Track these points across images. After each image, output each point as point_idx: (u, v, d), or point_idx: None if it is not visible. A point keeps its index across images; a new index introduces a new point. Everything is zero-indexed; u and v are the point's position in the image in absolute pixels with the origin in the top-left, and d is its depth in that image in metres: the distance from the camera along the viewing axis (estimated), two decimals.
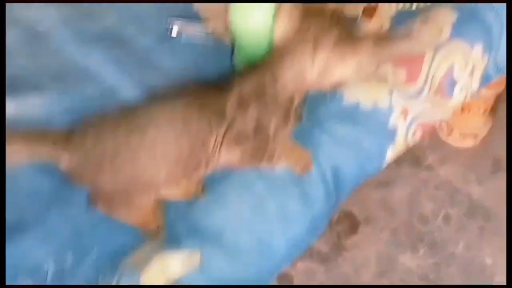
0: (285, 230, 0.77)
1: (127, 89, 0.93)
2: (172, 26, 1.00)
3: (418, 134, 0.90)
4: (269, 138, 0.74)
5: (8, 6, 1.04)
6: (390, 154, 0.87)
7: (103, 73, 0.96)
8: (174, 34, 1.01)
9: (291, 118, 0.75)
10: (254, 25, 0.78)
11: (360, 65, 0.73)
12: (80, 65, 0.97)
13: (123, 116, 0.74)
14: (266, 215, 0.78)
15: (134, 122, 0.71)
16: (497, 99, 1.37)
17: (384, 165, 0.88)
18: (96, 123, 0.74)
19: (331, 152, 0.82)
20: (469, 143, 1.45)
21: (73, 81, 0.95)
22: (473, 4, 0.91)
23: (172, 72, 0.97)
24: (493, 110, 1.40)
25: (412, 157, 1.45)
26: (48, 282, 0.72)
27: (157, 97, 0.78)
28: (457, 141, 1.45)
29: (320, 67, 0.73)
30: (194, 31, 1.00)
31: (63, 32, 1.01)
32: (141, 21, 1.04)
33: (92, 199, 0.76)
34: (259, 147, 0.74)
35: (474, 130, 1.42)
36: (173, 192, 0.78)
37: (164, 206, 0.79)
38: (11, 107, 0.88)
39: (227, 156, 0.74)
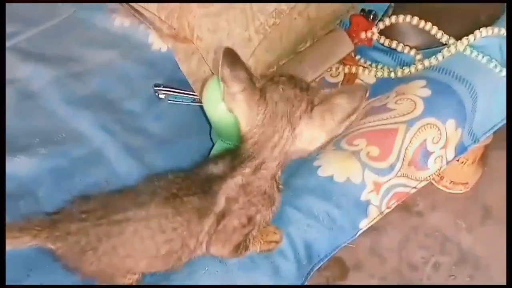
0: None
1: (113, 151, 0.97)
2: (158, 93, 1.03)
3: (393, 203, 0.92)
4: (254, 230, 0.75)
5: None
6: (364, 224, 0.89)
7: (90, 135, 0.99)
8: (162, 96, 1.04)
9: (276, 199, 0.75)
10: (223, 114, 0.80)
11: (342, 120, 0.69)
12: (69, 127, 1.00)
13: (103, 207, 0.75)
14: None
15: (113, 218, 0.73)
16: (487, 147, 1.38)
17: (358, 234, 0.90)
18: (78, 212, 0.76)
19: (304, 228, 0.84)
20: (459, 189, 1.45)
21: (60, 142, 0.98)
22: (445, 80, 0.93)
23: (157, 135, 1.00)
24: (483, 158, 1.40)
25: (402, 202, 1.46)
26: None
27: (134, 192, 0.77)
28: (448, 187, 1.45)
29: (302, 139, 0.71)
30: (180, 95, 1.03)
31: (54, 93, 1.05)
32: (129, 84, 1.07)
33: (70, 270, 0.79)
34: (244, 240, 0.76)
35: (464, 178, 1.42)
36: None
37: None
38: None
39: (214, 251, 0.76)
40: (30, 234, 0.76)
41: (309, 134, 0.70)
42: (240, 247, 0.76)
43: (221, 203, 0.73)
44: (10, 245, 0.76)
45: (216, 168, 0.75)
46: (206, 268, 0.80)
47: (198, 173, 0.76)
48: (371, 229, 1.42)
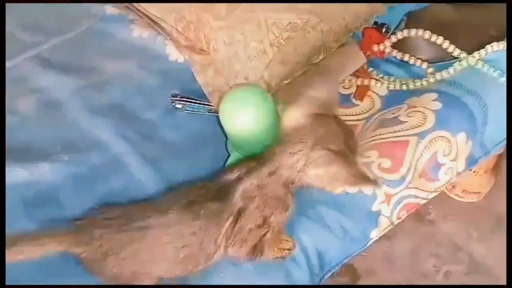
0: None
1: (131, 159, 0.99)
2: (175, 103, 1.05)
3: (403, 214, 0.94)
4: (269, 233, 0.78)
5: (27, 75, 1.12)
6: (375, 234, 0.91)
7: (109, 143, 1.01)
8: (179, 106, 1.06)
9: (290, 205, 0.78)
10: (240, 127, 0.82)
11: (339, 177, 0.74)
12: (89, 135, 1.03)
13: (126, 215, 0.78)
14: None
15: (135, 224, 0.76)
16: (500, 156, 1.38)
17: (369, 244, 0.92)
18: (102, 219, 0.79)
19: (316, 236, 0.86)
20: (471, 198, 1.46)
21: (82, 150, 1.01)
22: (457, 93, 0.94)
23: (174, 144, 1.03)
24: (495, 167, 1.41)
25: (414, 211, 1.47)
26: None
27: (154, 201, 0.81)
28: (460, 196, 1.46)
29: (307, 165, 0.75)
30: (197, 105, 1.05)
31: (75, 102, 1.08)
32: (147, 94, 1.09)
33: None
34: (260, 242, 0.78)
35: (476, 188, 1.42)
36: None
37: None
38: (25, 174, 0.96)
39: (231, 252, 0.78)
40: (56, 241, 0.79)
41: (314, 166, 0.74)
42: (256, 249, 0.79)
43: (238, 202, 0.76)
44: (38, 252, 0.79)
45: (232, 175, 0.79)
46: (221, 275, 0.82)
47: (214, 181, 0.80)
48: (383, 237, 1.43)
